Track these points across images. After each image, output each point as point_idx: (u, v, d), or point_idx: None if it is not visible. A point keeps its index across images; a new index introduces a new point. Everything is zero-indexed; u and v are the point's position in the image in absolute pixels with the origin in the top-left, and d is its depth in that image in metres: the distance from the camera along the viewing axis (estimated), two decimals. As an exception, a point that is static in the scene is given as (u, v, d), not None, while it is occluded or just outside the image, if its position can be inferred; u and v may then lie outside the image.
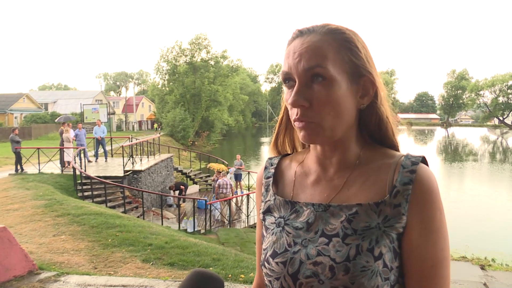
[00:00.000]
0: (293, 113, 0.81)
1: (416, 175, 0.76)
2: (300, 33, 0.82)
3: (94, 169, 14.52)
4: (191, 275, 0.99)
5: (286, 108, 0.95)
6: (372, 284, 0.72)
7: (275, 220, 0.89)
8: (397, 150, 0.87)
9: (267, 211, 0.93)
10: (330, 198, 0.83)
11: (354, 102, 0.81)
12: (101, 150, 16.98)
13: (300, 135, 0.81)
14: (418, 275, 0.75)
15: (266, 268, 0.84)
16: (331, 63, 0.77)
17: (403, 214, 0.75)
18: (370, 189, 0.80)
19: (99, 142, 16.55)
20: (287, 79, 0.81)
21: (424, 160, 0.80)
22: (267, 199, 0.94)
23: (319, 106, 0.77)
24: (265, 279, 0.85)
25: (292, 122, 0.83)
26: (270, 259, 0.83)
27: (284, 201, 0.90)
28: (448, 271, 0.76)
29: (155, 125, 49.59)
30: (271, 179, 0.96)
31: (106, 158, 17.08)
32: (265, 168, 1.00)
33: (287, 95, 0.82)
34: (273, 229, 0.88)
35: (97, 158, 16.91)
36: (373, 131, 0.87)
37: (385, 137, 0.87)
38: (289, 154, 1.01)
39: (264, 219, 0.93)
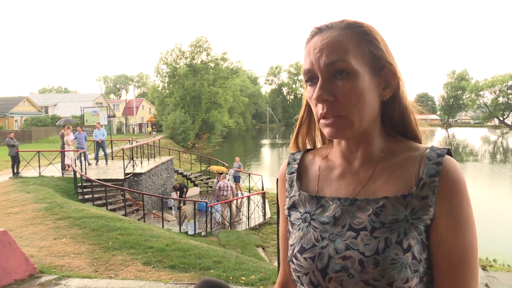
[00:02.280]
0: (319, 109, 0.81)
1: (443, 167, 0.76)
2: (319, 30, 0.83)
3: (95, 172, 14.52)
4: (200, 285, 0.99)
5: (306, 106, 0.96)
6: (402, 277, 0.72)
7: (301, 216, 0.89)
8: (420, 141, 0.88)
9: (292, 207, 0.93)
10: (356, 192, 0.83)
11: (377, 94, 0.82)
12: (101, 153, 16.98)
13: (326, 131, 0.81)
14: (447, 266, 0.75)
15: (294, 263, 0.84)
16: (352, 57, 0.78)
17: (430, 206, 0.75)
18: (396, 182, 0.80)
19: (99, 145, 16.57)
20: (310, 76, 0.82)
21: (449, 152, 0.80)
22: (291, 195, 0.94)
23: (345, 100, 0.77)
24: (293, 274, 0.86)
25: (317, 119, 0.83)
26: (298, 255, 0.83)
27: (309, 196, 0.90)
28: (476, 262, 0.76)
29: (149, 129, 47.35)
30: (294, 174, 0.96)
31: (106, 161, 17.09)
32: (288, 163, 1.00)
33: (309, 93, 0.83)
34: (299, 224, 0.88)
35: (97, 161, 16.91)
36: (396, 123, 0.87)
37: (408, 128, 0.87)
38: (311, 149, 1.01)
39: (289, 215, 0.93)
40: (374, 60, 0.80)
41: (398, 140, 0.87)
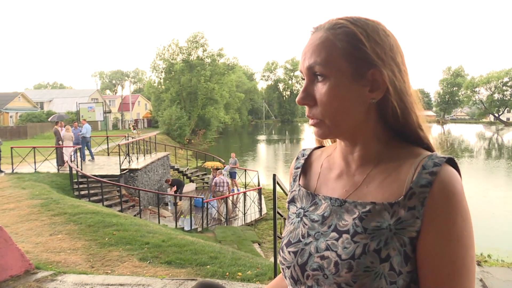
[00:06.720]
0: (306, 109, 0.82)
1: (436, 178, 0.71)
2: (314, 30, 0.82)
3: (90, 168, 14.47)
4: (197, 287, 0.99)
5: None
6: (376, 286, 0.70)
7: (296, 211, 0.91)
8: (424, 145, 0.82)
9: (292, 201, 0.95)
10: (348, 194, 0.82)
11: (361, 97, 0.77)
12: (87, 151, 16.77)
13: (312, 131, 0.83)
14: (433, 283, 0.70)
15: (280, 255, 0.86)
16: (328, 60, 0.76)
17: (417, 217, 0.71)
18: (388, 188, 0.77)
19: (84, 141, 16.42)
20: (302, 77, 0.83)
21: (450, 161, 0.74)
22: (293, 189, 0.96)
23: (322, 104, 0.78)
24: (280, 266, 0.87)
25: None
26: (284, 248, 0.85)
27: (307, 192, 0.91)
28: (468, 282, 0.70)
29: (131, 126, 42.63)
30: (299, 169, 0.97)
31: (84, 158, 16.49)
32: (297, 158, 1.01)
33: None
34: (293, 219, 0.90)
35: (92, 157, 16.81)
36: (393, 125, 0.82)
37: (408, 131, 0.81)
38: (321, 147, 1.00)
39: (288, 208, 0.95)
40: (355, 62, 0.76)
41: (400, 144, 0.82)
